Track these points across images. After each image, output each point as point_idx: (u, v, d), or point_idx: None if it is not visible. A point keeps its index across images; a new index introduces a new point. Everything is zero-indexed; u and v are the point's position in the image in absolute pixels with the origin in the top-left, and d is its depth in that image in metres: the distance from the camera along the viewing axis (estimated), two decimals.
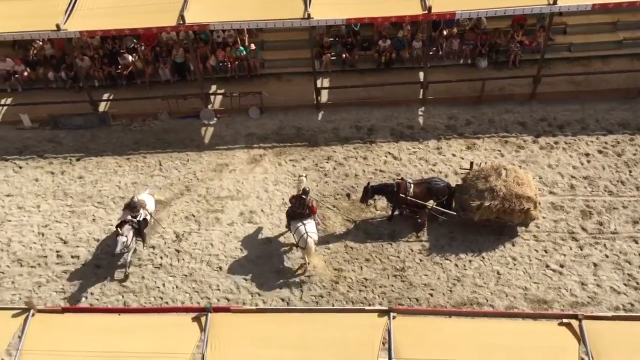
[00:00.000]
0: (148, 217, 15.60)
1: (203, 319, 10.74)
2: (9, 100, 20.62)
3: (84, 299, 15.05)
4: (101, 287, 15.23)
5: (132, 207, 15.21)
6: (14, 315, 11.08)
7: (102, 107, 20.29)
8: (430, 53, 19.95)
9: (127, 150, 18.97)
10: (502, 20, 20.20)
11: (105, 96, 20.56)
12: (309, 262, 15.10)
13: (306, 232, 14.46)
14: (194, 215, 16.78)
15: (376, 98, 19.67)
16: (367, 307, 12.26)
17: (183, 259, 15.74)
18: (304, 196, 14.79)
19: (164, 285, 15.22)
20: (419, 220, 15.86)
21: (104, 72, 20.64)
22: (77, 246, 16.22)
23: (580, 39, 20.61)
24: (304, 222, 14.65)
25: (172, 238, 16.25)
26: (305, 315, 11.13)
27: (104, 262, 15.77)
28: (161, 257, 15.83)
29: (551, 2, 16.70)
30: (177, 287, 15.15)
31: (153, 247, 16.02)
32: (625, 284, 14.44)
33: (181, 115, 19.95)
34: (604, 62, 20.17)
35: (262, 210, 16.76)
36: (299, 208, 14.83)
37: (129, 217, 15.11)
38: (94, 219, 16.89)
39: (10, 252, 16.14)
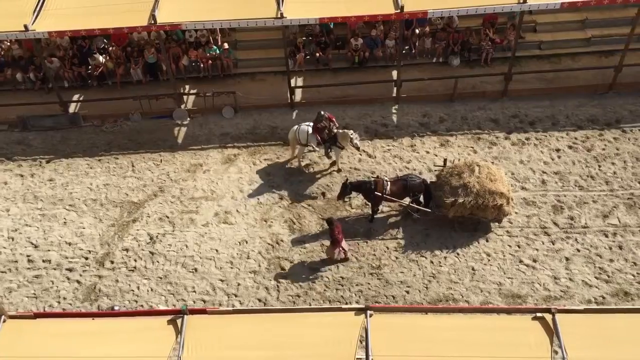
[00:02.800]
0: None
1: (179, 321, 10.64)
2: None
3: (56, 304, 14.81)
4: (74, 292, 15.01)
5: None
6: None
7: (72, 108, 19.99)
8: (403, 52, 20.07)
9: (99, 151, 18.70)
10: (474, 19, 20.41)
11: (75, 97, 20.25)
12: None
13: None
14: (168, 217, 16.62)
15: (350, 96, 19.73)
16: (343, 306, 12.27)
17: (157, 261, 15.58)
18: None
19: (138, 288, 15.05)
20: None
21: (74, 73, 20.32)
22: (49, 250, 15.95)
23: (550, 36, 20.94)
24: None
25: (146, 240, 16.07)
26: (283, 316, 11.11)
27: (77, 266, 15.54)
28: (135, 260, 15.65)
29: (521, 0, 16.92)
30: (151, 289, 14.99)
31: (126, 250, 15.84)
32: (596, 277, 14.71)
33: (154, 116, 19.75)
34: (573, 59, 20.53)
35: (237, 211, 16.68)
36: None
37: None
38: (65, 222, 16.62)
39: None
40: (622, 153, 17.56)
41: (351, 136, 16.61)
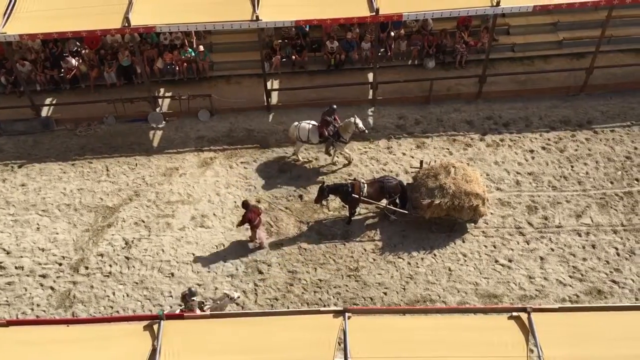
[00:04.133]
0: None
1: (155, 327, 10.52)
2: None
3: (29, 311, 14.55)
4: (47, 298, 14.76)
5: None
6: None
7: (44, 111, 19.68)
8: (379, 54, 20.19)
9: (72, 155, 18.44)
10: (448, 22, 20.61)
11: (47, 101, 19.95)
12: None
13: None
14: (143, 221, 16.45)
15: (327, 99, 19.71)
16: (322, 308, 12.26)
17: (133, 266, 15.40)
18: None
19: (113, 294, 14.86)
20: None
21: (46, 76, 20.01)
22: (21, 256, 15.66)
23: (522, 39, 21.26)
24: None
25: (122, 245, 15.88)
26: (260, 319, 11.05)
27: (50, 272, 15.28)
28: (110, 265, 15.45)
29: (494, 3, 17.14)
30: (127, 295, 14.81)
31: (101, 255, 15.63)
32: (570, 276, 14.94)
33: (128, 119, 19.53)
34: (545, 62, 20.85)
35: (214, 214, 16.57)
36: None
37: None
38: (38, 228, 16.34)
39: None
40: (594, 154, 17.87)
41: (355, 121, 16.86)
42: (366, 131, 17.43)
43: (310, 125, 17.35)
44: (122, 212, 16.71)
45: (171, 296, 14.74)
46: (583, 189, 16.91)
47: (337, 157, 17.87)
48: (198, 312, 13.11)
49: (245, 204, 15.21)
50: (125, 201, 17.02)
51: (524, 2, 17.37)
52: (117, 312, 14.40)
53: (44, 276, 15.24)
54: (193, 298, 13.22)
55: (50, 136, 19.14)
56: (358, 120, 16.97)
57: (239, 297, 14.02)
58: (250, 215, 15.02)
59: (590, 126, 18.77)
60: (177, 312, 13.06)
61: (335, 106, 17.48)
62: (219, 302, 13.65)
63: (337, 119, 17.46)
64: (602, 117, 19.07)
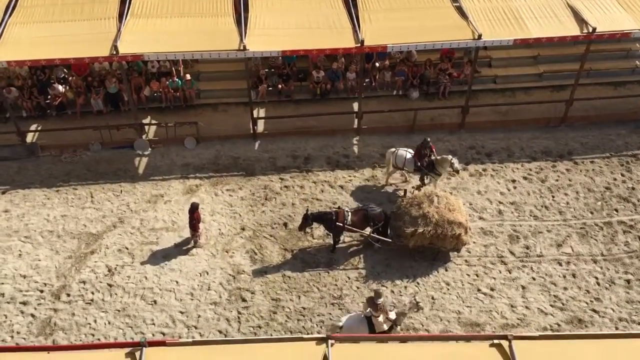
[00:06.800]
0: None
1: (137, 354, 10.41)
2: None
3: (9, 338, 14.35)
4: (28, 326, 14.58)
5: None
6: None
7: (30, 137, 19.67)
8: (364, 84, 20.51)
9: (57, 182, 18.40)
10: (432, 54, 21.05)
11: (33, 127, 19.97)
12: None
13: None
14: (127, 248, 16.39)
15: (312, 128, 19.98)
16: (305, 336, 12.22)
17: (116, 294, 15.29)
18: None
19: (95, 321, 14.71)
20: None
21: (32, 103, 20.05)
22: (2, 283, 15.49)
23: (504, 71, 21.79)
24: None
25: (104, 272, 15.78)
26: (243, 346, 10.98)
27: (31, 299, 15.12)
28: (92, 293, 15.32)
29: (476, 37, 17.58)
30: (109, 322, 14.68)
31: (84, 282, 15.51)
32: (551, 305, 15.06)
33: (114, 146, 19.57)
34: (526, 93, 21.33)
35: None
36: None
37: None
38: (20, 254, 16.21)
39: None
40: (574, 184, 18.18)
41: (452, 161, 16.89)
42: (459, 172, 17.44)
43: (408, 155, 17.41)
44: (106, 239, 16.64)
45: (153, 324, 14.63)
46: (564, 218, 17.16)
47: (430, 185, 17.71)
48: (392, 315, 13.61)
49: (195, 205, 15.87)
50: (109, 228, 16.96)
51: (504, 36, 17.84)
52: (99, 339, 14.25)
53: (24, 303, 15.07)
54: (379, 300, 13.38)
55: (35, 162, 19.11)
56: (455, 160, 16.96)
57: (423, 307, 14.22)
58: (195, 215, 15.71)
59: (570, 157, 19.14)
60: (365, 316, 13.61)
61: (429, 139, 17.45)
62: (405, 308, 13.87)
63: (434, 150, 17.43)
64: (582, 148, 19.46)
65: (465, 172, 18.61)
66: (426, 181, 17.70)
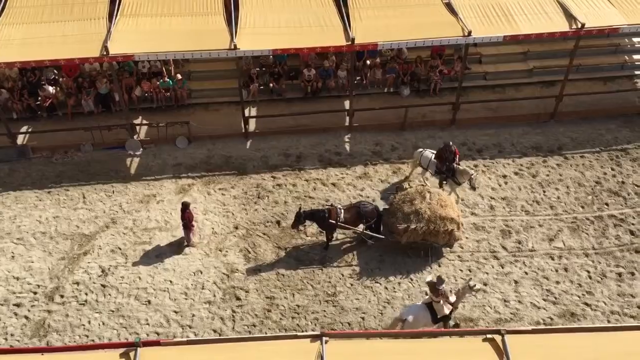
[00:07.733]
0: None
1: (132, 354, 10.41)
2: None
3: (3, 340, 14.30)
4: (22, 328, 14.54)
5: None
6: None
7: (20, 139, 19.58)
8: (355, 82, 20.55)
9: (49, 183, 18.34)
10: (422, 51, 21.12)
11: (24, 128, 19.88)
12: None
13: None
14: (120, 248, 16.36)
15: (304, 126, 20.00)
16: (299, 333, 12.26)
17: (109, 294, 15.27)
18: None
19: (89, 322, 14.69)
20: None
21: (23, 105, 19.96)
22: None
23: (494, 68, 21.89)
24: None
25: (98, 273, 15.75)
26: (238, 345, 11.00)
27: (25, 301, 15.08)
28: (86, 294, 15.30)
29: (466, 33, 17.66)
30: (103, 323, 14.66)
31: (77, 283, 15.48)
32: (544, 299, 15.17)
33: (106, 147, 19.52)
34: (516, 90, 21.44)
35: None
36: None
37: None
38: (12, 256, 16.16)
39: None
40: (565, 179, 18.31)
41: (472, 176, 16.59)
42: (476, 188, 17.07)
43: (433, 156, 17.26)
44: (99, 239, 16.62)
45: (147, 324, 14.63)
46: (555, 213, 17.28)
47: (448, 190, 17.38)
48: (452, 298, 13.68)
49: (185, 204, 15.84)
50: (101, 228, 16.93)
51: (494, 33, 17.94)
52: (93, 340, 14.23)
53: (18, 305, 15.03)
54: (442, 285, 13.43)
55: (26, 164, 19.03)
56: (475, 177, 16.68)
57: (479, 288, 14.23)
58: (186, 215, 15.68)
59: (561, 152, 19.27)
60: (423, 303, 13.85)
61: (450, 142, 17.17)
62: (461, 291, 13.92)
63: (458, 156, 17.15)
64: (572, 143, 19.59)
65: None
66: (444, 186, 17.37)
